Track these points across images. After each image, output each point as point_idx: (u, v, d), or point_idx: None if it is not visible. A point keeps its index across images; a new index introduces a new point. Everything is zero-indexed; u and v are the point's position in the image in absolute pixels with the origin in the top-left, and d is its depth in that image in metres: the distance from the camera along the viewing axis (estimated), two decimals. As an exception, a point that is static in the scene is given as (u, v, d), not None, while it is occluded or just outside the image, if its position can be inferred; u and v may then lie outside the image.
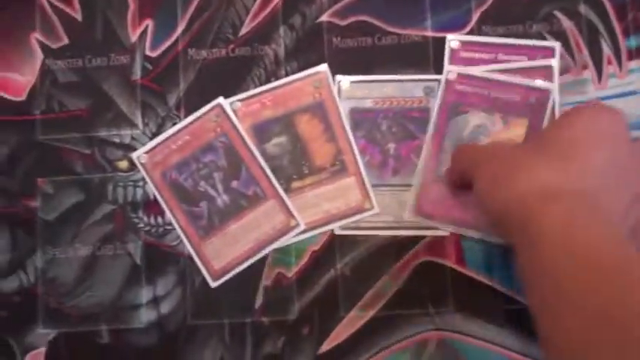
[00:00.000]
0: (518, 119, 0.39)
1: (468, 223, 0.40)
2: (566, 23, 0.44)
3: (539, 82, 0.38)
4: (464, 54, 0.40)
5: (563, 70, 0.42)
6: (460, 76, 0.38)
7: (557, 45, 0.41)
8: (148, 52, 0.46)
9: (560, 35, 0.44)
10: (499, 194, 0.31)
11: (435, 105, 0.39)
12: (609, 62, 0.44)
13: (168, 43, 0.47)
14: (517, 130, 0.39)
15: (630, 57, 0.44)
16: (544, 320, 0.28)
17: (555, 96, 0.40)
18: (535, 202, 0.29)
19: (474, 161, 0.35)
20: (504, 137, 0.39)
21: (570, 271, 0.27)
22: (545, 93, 0.39)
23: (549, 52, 0.41)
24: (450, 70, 0.39)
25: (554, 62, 0.40)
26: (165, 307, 0.44)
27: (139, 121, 0.46)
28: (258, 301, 0.44)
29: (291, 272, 0.44)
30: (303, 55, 0.46)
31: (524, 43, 0.41)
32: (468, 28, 0.45)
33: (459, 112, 0.39)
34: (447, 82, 0.38)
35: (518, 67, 0.40)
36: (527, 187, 0.30)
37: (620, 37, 0.44)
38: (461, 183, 0.37)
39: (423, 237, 0.43)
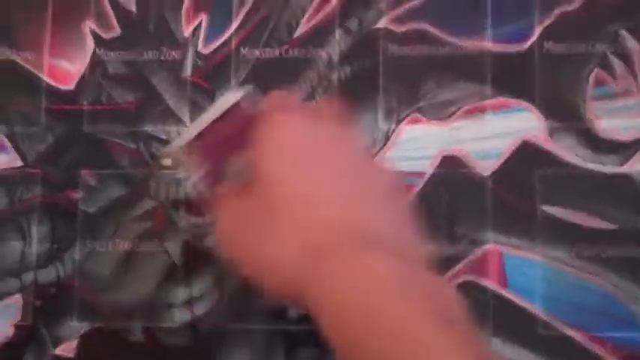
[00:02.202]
0: None
1: None
2: (631, 43, 0.52)
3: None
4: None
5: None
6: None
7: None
8: (200, 48, 0.56)
9: (624, 56, 0.52)
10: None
11: None
12: (672, 87, 0.52)
13: (221, 40, 0.56)
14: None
15: (695, 83, 0.52)
16: None
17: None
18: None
19: None
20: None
21: None
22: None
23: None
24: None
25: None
26: (199, 309, 0.53)
27: (186, 117, 0.55)
28: (294, 309, 0.53)
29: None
30: (357, 60, 0.55)
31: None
32: (529, 43, 0.53)
33: None
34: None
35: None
36: None
37: (686, 62, 0.52)
38: None
39: (467, 254, 0.52)
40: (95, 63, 0.55)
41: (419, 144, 0.52)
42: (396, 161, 0.52)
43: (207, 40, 0.55)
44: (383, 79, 0.53)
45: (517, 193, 0.51)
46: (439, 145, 0.52)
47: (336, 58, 0.54)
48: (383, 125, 0.52)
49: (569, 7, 0.52)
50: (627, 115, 0.51)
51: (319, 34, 0.54)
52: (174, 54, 0.55)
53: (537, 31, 0.52)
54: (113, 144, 0.54)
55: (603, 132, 0.51)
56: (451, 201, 0.51)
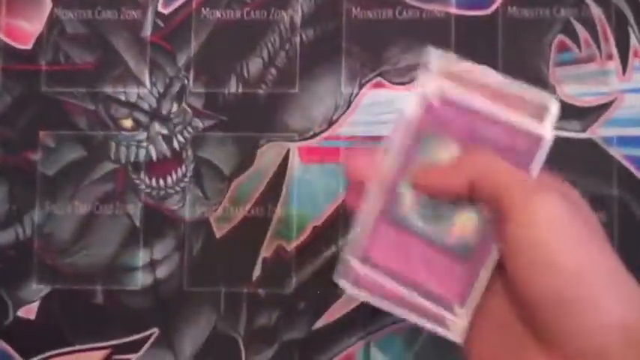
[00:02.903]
0: None
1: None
2: (595, 10, 0.54)
3: (537, 126, 0.35)
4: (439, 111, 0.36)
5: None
6: (442, 98, 0.35)
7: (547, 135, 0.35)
8: (160, 9, 0.56)
9: (588, 22, 0.54)
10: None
11: (400, 124, 0.36)
12: (636, 55, 0.53)
13: (181, 0, 0.57)
14: None
15: (658, 50, 0.53)
16: None
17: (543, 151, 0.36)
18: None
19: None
20: None
21: None
22: (537, 141, 0.35)
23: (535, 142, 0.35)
24: (428, 90, 0.36)
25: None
26: (161, 272, 0.55)
27: (146, 79, 0.56)
28: (256, 272, 0.54)
29: (291, 246, 0.54)
30: (320, 23, 0.55)
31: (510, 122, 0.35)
32: (493, 8, 0.54)
33: (430, 139, 0.36)
34: (425, 102, 0.36)
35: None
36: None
37: (650, 28, 0.53)
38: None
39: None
40: (53, 22, 0.55)
41: (382, 108, 0.53)
42: (359, 125, 0.53)
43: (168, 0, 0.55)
44: (346, 43, 0.54)
45: (478, 158, 0.52)
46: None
47: (298, 20, 0.54)
48: (345, 89, 0.53)
49: (534, -28, 0.53)
50: (590, 82, 0.52)
51: (282, -4, 0.55)
52: (134, 14, 0.55)
53: (502, -4, 0.53)
54: (72, 105, 0.55)
55: (566, 98, 0.52)
56: (413, 166, 0.52)
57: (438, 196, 0.35)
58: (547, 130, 0.35)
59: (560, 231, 0.31)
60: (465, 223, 0.35)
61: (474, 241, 0.35)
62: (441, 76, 0.37)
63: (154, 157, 0.54)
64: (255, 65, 0.54)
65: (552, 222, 0.31)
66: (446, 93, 0.35)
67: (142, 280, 0.53)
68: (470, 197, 0.34)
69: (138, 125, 0.54)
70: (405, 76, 0.53)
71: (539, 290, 0.30)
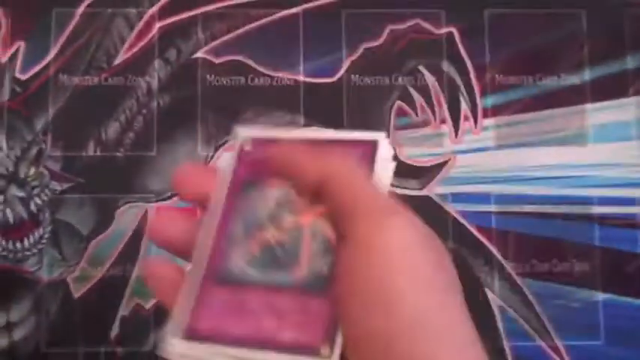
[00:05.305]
0: None
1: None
2: (429, 78, 0.60)
3: (370, 134, 0.31)
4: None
5: (421, 124, 0.57)
6: (255, 141, 0.32)
7: (381, 136, 0.31)
8: (17, 74, 0.59)
9: (423, 89, 0.60)
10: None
11: (220, 180, 0.32)
12: (466, 119, 0.59)
13: (39, 67, 0.59)
14: None
15: (486, 115, 0.59)
16: None
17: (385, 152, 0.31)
18: None
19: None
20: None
21: None
22: (370, 145, 0.31)
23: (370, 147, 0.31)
24: (242, 136, 0.32)
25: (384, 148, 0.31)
26: (18, 334, 0.56)
27: (2, 143, 0.58)
28: (115, 330, 0.56)
29: (149, 303, 0.57)
30: (176, 89, 0.59)
31: (340, 137, 0.31)
32: (338, 76, 0.60)
33: (252, 187, 0.32)
34: (240, 151, 0.33)
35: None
36: None
37: (477, 95, 0.60)
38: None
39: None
40: None
41: (236, 169, 0.57)
42: (214, 186, 0.56)
43: (25, 66, 0.57)
44: (201, 108, 0.57)
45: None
46: (255, 170, 0.57)
47: (155, 86, 0.57)
48: (202, 152, 0.57)
49: (374, 43, 0.58)
50: (426, 144, 0.58)
51: (139, 63, 0.58)
52: (-9, 80, 0.57)
53: (345, 65, 0.58)
54: None
55: (405, 158, 0.57)
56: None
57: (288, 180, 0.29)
58: (381, 135, 0.31)
59: (407, 265, 0.25)
60: (311, 253, 0.30)
61: (327, 270, 0.29)
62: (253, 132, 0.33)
63: (11, 220, 0.55)
64: (113, 129, 0.57)
65: (402, 252, 0.25)
66: (258, 136, 0.32)
67: (-2, 343, 0.54)
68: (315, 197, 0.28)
69: (-6, 189, 0.55)
70: (257, 139, 0.57)
71: (366, 334, 0.25)
